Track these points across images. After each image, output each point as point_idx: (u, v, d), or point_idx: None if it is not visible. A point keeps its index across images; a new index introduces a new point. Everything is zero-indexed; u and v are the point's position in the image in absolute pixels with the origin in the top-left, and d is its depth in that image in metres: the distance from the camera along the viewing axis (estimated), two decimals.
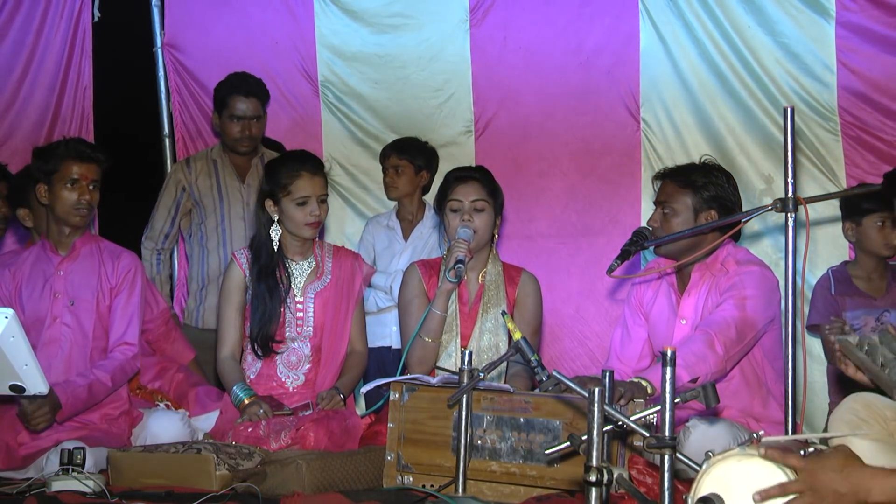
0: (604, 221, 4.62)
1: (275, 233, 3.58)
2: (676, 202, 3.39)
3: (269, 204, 3.57)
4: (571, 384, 2.28)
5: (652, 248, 3.56)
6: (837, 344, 2.69)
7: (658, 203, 3.46)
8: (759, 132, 4.35)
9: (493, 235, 3.65)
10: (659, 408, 2.09)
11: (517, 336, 2.85)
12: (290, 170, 3.53)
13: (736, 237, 3.50)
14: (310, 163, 3.59)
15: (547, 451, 2.33)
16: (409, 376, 3.15)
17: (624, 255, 3.43)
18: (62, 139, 3.64)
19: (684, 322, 3.37)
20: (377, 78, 4.87)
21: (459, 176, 3.65)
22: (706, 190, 3.36)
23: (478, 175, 3.64)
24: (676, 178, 3.42)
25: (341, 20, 4.87)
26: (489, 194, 3.60)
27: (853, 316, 3.93)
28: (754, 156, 4.37)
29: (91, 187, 3.54)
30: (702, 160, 3.50)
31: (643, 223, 4.38)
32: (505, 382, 3.43)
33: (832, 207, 4.15)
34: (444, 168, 4.65)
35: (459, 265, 3.42)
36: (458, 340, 3.57)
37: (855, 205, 3.92)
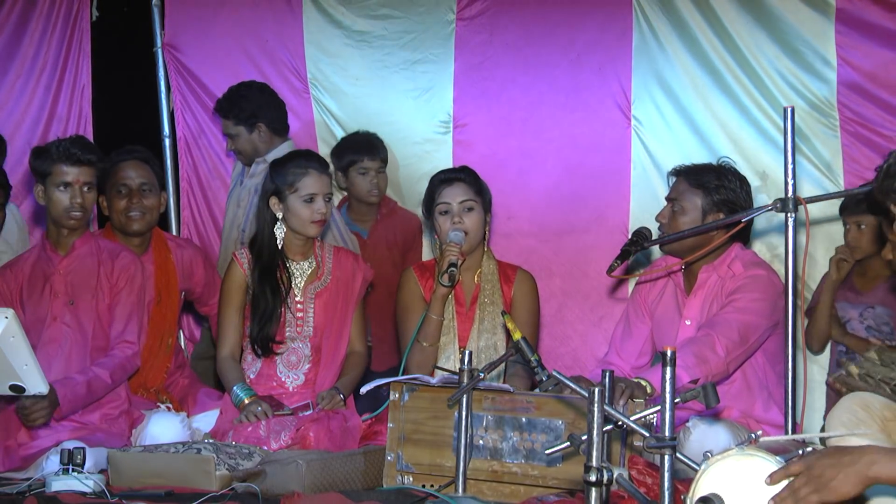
0: (590, 219, 4.57)
1: (279, 231, 3.58)
2: (686, 201, 3.39)
3: (273, 202, 3.57)
4: (571, 384, 2.28)
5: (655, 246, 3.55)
6: (837, 383, 2.77)
7: (669, 199, 3.46)
8: (755, 129, 4.33)
9: (485, 234, 3.65)
10: (659, 408, 2.09)
11: (517, 336, 2.85)
12: (297, 167, 3.54)
13: (746, 241, 3.49)
14: (316, 161, 3.63)
15: (547, 451, 2.34)
16: (408, 376, 3.15)
17: (624, 254, 3.44)
18: (56, 140, 3.62)
19: (689, 323, 3.37)
20: (358, 74, 4.84)
21: (444, 178, 3.65)
22: (717, 193, 3.36)
23: (463, 176, 3.65)
24: (689, 178, 3.42)
25: (327, 15, 4.84)
26: (476, 193, 3.61)
27: (840, 307, 4.00)
28: (748, 153, 4.34)
29: (85, 189, 3.52)
30: (719, 162, 3.50)
31: (631, 221, 4.39)
32: (504, 382, 3.43)
33: (832, 206, 4.13)
34: (419, 164, 4.65)
35: (452, 269, 3.43)
36: (457, 343, 3.57)
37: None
